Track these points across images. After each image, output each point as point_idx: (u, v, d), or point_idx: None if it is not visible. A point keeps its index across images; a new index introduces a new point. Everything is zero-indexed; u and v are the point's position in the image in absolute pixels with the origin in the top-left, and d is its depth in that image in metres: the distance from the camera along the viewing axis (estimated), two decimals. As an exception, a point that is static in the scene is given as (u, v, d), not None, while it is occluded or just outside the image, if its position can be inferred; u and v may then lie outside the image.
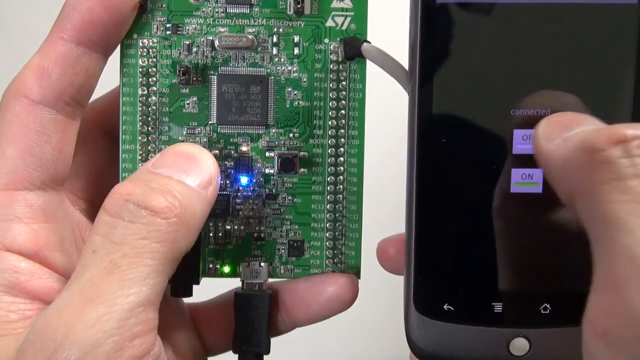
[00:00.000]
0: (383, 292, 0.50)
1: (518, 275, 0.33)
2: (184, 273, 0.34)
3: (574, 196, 0.28)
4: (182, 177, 0.32)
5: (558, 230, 0.32)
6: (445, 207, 0.33)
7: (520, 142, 0.32)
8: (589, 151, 0.27)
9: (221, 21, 0.37)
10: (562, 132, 0.29)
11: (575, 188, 0.28)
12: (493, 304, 0.33)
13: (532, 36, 0.32)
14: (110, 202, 0.31)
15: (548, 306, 0.32)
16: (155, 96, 0.37)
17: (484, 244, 0.33)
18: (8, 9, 0.70)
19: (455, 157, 0.33)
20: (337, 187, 0.38)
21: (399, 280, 0.35)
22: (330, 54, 0.37)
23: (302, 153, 0.37)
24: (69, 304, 0.29)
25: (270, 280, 0.39)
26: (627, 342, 0.25)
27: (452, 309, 0.33)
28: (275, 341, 0.39)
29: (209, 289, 0.40)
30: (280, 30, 0.37)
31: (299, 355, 0.58)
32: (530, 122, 0.32)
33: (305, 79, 0.37)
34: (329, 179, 0.38)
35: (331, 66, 0.37)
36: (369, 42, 0.36)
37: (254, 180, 0.38)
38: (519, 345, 0.33)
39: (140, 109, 0.37)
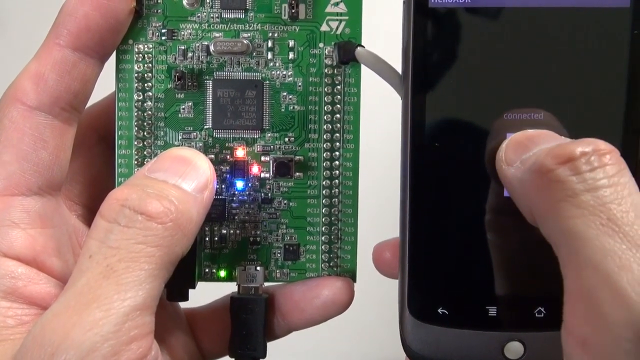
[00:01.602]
0: (379, 293, 0.50)
1: (512, 279, 0.33)
2: (180, 277, 0.34)
3: (534, 215, 0.30)
4: (178, 182, 0.33)
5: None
6: (439, 211, 0.34)
7: (514, 146, 0.33)
8: (540, 173, 0.29)
9: (216, 26, 0.37)
10: (521, 154, 0.31)
11: (534, 208, 0.30)
12: (488, 307, 0.33)
13: (524, 40, 0.33)
14: (106, 207, 0.32)
15: (542, 310, 0.33)
16: (151, 101, 0.37)
17: (478, 248, 0.33)
18: (9, 11, 0.71)
19: (448, 162, 0.33)
20: (333, 191, 0.38)
21: (395, 282, 0.35)
22: (325, 58, 0.37)
23: (298, 157, 0.38)
24: (66, 308, 0.30)
25: (266, 284, 0.39)
26: (605, 349, 0.26)
27: (447, 312, 0.33)
28: (271, 342, 0.39)
29: (206, 294, 0.40)
30: (275, 35, 0.37)
31: (295, 356, 0.58)
32: (524, 126, 0.32)
33: (300, 84, 0.38)
34: (324, 182, 0.38)
35: (326, 70, 0.37)
36: (363, 47, 0.37)
37: (250, 185, 0.38)
38: (514, 348, 0.33)
39: (135, 114, 0.37)
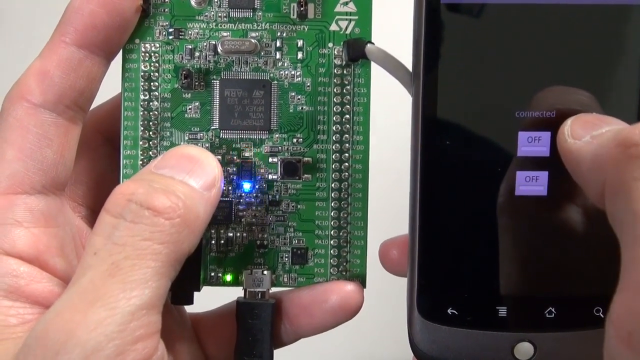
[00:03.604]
0: (387, 293, 0.51)
1: (523, 279, 0.34)
2: (185, 280, 0.35)
3: (604, 192, 0.29)
4: (185, 178, 0.33)
5: (563, 233, 0.33)
6: (449, 210, 0.34)
7: (525, 145, 0.33)
8: (623, 145, 0.28)
9: (224, 25, 0.38)
10: (590, 130, 0.30)
11: (607, 184, 0.29)
12: (497, 307, 0.34)
13: (538, 38, 0.33)
14: (112, 202, 0.32)
15: (553, 310, 0.33)
16: (157, 101, 0.38)
17: (488, 247, 0.34)
18: (9, 11, 0.72)
19: (459, 160, 0.34)
20: (342, 193, 0.39)
21: (404, 282, 0.36)
22: (334, 58, 0.38)
23: (306, 158, 0.39)
24: (70, 306, 0.30)
25: (274, 289, 0.39)
26: None
27: (456, 313, 0.34)
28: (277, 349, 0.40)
29: (211, 299, 0.41)
30: (284, 34, 0.38)
31: (301, 356, 0.58)
32: (535, 124, 0.33)
33: (308, 84, 0.38)
34: (333, 184, 0.39)
35: (335, 70, 0.38)
36: (373, 43, 0.38)
37: (257, 187, 0.39)
38: (524, 349, 0.34)
39: (141, 114, 0.38)
